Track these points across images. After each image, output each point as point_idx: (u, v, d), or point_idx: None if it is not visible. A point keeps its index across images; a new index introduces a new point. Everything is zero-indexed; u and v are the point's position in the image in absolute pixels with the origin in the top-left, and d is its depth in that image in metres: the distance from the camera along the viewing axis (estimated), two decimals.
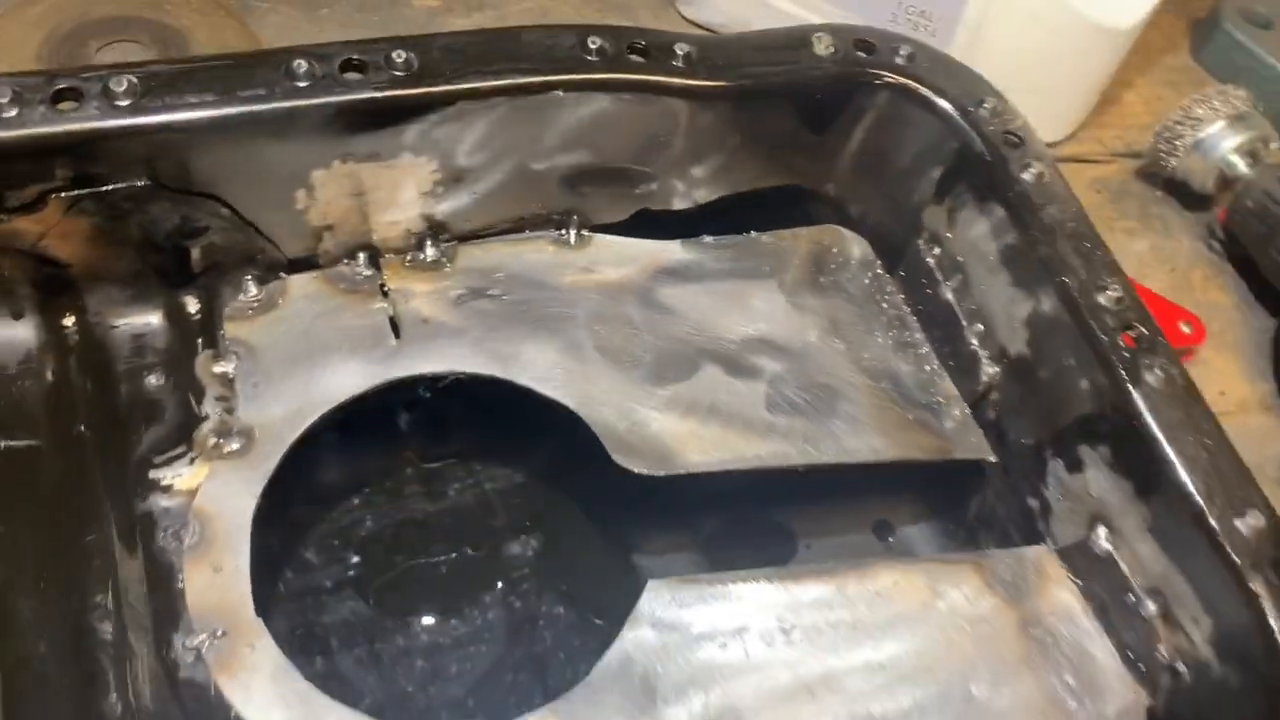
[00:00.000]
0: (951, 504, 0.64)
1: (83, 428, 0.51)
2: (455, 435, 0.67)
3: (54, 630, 0.45)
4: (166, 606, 0.47)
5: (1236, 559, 0.47)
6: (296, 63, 0.50)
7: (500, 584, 0.62)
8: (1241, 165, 0.87)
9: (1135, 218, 0.91)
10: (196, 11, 0.80)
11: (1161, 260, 0.89)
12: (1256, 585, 0.47)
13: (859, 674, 0.50)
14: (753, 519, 0.66)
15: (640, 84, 0.55)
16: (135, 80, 0.48)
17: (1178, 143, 0.89)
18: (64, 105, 0.47)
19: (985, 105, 0.59)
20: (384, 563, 0.62)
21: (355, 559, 0.62)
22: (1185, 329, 0.79)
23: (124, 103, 0.47)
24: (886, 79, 0.58)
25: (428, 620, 0.60)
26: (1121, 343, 0.52)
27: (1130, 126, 0.99)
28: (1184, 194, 0.92)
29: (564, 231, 0.63)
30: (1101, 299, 0.53)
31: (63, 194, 0.48)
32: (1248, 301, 0.88)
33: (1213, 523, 0.48)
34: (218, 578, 0.48)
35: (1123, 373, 0.52)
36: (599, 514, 0.65)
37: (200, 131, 0.49)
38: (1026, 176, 0.57)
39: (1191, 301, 0.86)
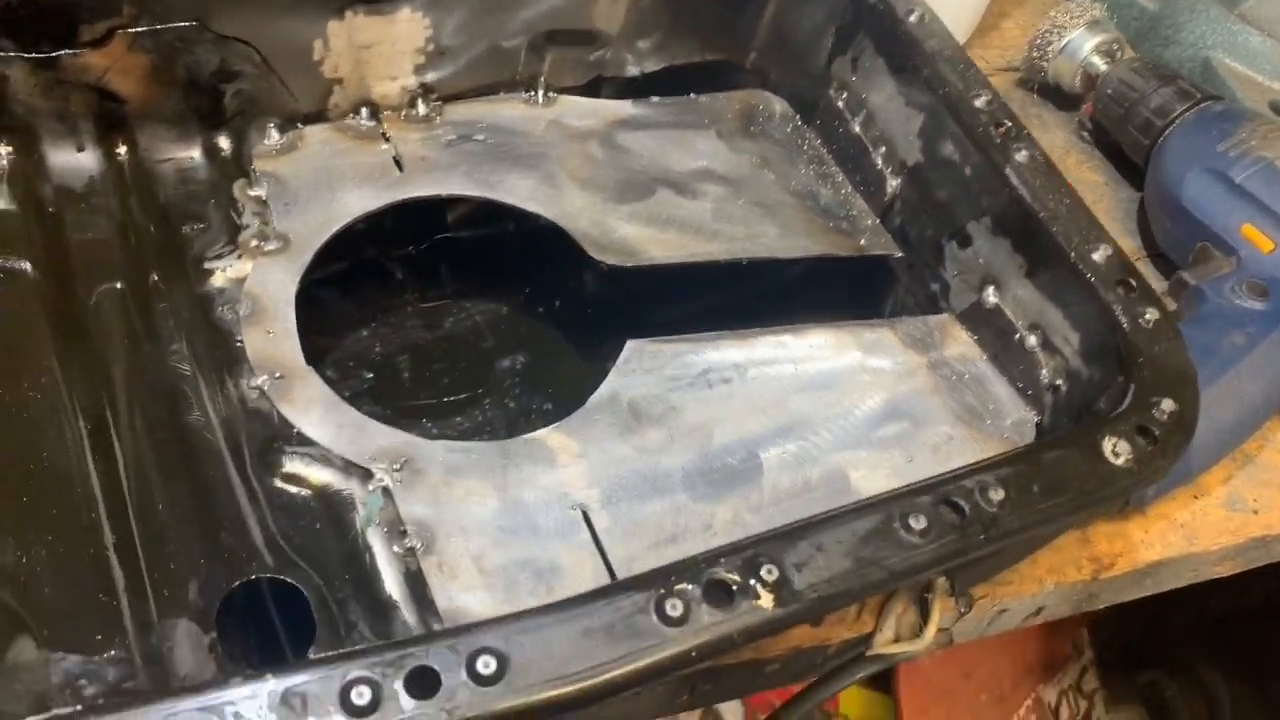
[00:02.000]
0: (868, 314, 0.76)
1: (145, 241, 0.60)
2: (447, 281, 0.77)
3: (146, 370, 0.54)
4: (230, 357, 0.56)
5: (1093, 279, 0.60)
6: None
7: (495, 391, 0.72)
8: (1101, 63, 1.02)
9: None
10: None
11: None
12: (1109, 295, 0.59)
13: (803, 400, 0.61)
14: None
15: None
16: None
17: (1048, 49, 1.04)
18: None
19: None
20: (394, 377, 0.72)
21: (370, 375, 0.71)
22: None
23: None
24: None
25: (437, 419, 0.70)
26: (994, 133, 0.65)
27: (1009, 48, 1.14)
28: (1056, 95, 1.07)
29: (532, 93, 0.74)
30: (976, 103, 0.66)
31: (128, 30, 0.58)
32: (1115, 179, 1.03)
33: (1073, 256, 0.61)
34: (270, 338, 0.58)
35: (997, 155, 0.64)
36: (574, 336, 0.75)
37: None
38: (911, 19, 0.70)
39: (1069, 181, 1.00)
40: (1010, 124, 0.66)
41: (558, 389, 0.73)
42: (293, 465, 0.53)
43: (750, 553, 0.45)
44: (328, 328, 0.74)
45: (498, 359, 0.74)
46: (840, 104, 0.75)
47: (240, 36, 0.62)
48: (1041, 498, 0.50)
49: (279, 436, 0.54)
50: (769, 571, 0.44)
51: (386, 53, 0.67)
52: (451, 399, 0.71)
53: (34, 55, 0.57)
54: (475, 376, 0.73)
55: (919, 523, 0.48)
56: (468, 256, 0.77)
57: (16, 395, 0.50)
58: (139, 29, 0.59)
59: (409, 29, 0.67)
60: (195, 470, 0.51)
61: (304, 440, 0.54)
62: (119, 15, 0.58)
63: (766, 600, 0.44)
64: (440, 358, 0.74)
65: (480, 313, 0.76)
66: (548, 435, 0.57)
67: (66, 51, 0.58)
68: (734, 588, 0.44)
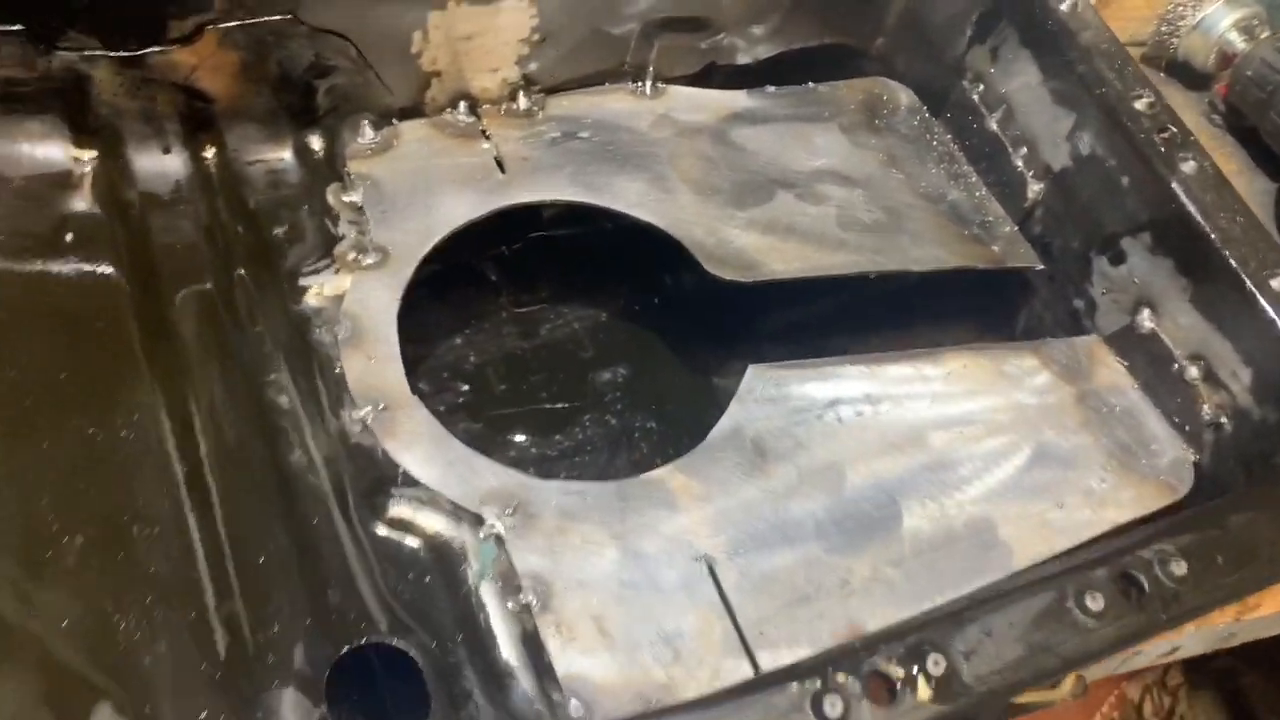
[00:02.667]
0: (999, 324, 0.70)
1: (234, 247, 0.56)
2: (541, 285, 0.72)
3: (240, 404, 0.50)
4: (330, 387, 0.53)
5: (1272, 311, 0.54)
6: None
7: (596, 405, 0.68)
8: (1239, 41, 0.94)
9: None
10: None
11: None
12: None
13: (940, 432, 0.56)
14: (815, 350, 0.72)
15: None
16: None
17: (1180, 24, 0.96)
18: None
19: None
20: (490, 390, 0.68)
21: (465, 387, 0.67)
22: None
23: None
24: None
25: (535, 436, 0.66)
26: (1157, 140, 0.59)
27: (1131, 19, 1.05)
28: (1186, 74, 0.98)
29: (640, 84, 0.68)
30: (1137, 105, 0.60)
31: (218, 25, 0.54)
32: (1250, 167, 0.95)
33: (1249, 283, 0.55)
34: (371, 364, 0.54)
35: (1161, 166, 0.58)
36: (678, 345, 0.71)
37: None
38: (1063, 8, 0.63)
39: None
40: (1175, 130, 0.59)
41: (662, 405, 0.68)
42: (400, 509, 0.49)
43: (914, 639, 0.40)
44: (420, 334, 0.70)
45: (597, 370, 0.70)
46: (975, 97, 0.69)
47: (336, 29, 0.57)
48: (1229, 569, 0.45)
49: (385, 477, 0.50)
50: (935, 663, 0.40)
51: (489, 44, 0.62)
52: (550, 413, 0.67)
53: (119, 54, 0.53)
54: (574, 389, 0.69)
55: (1096, 602, 0.43)
56: (564, 257, 0.72)
57: (109, 434, 0.47)
58: (230, 24, 0.54)
59: (513, 19, 0.61)
60: (297, 516, 0.48)
61: (410, 481, 0.50)
62: (209, 10, 0.53)
63: (926, 694, 0.40)
64: (537, 368, 0.69)
65: (578, 319, 0.72)
66: (668, 475, 0.53)
67: (154, 49, 0.54)
68: (897, 682, 0.39)
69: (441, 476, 0.51)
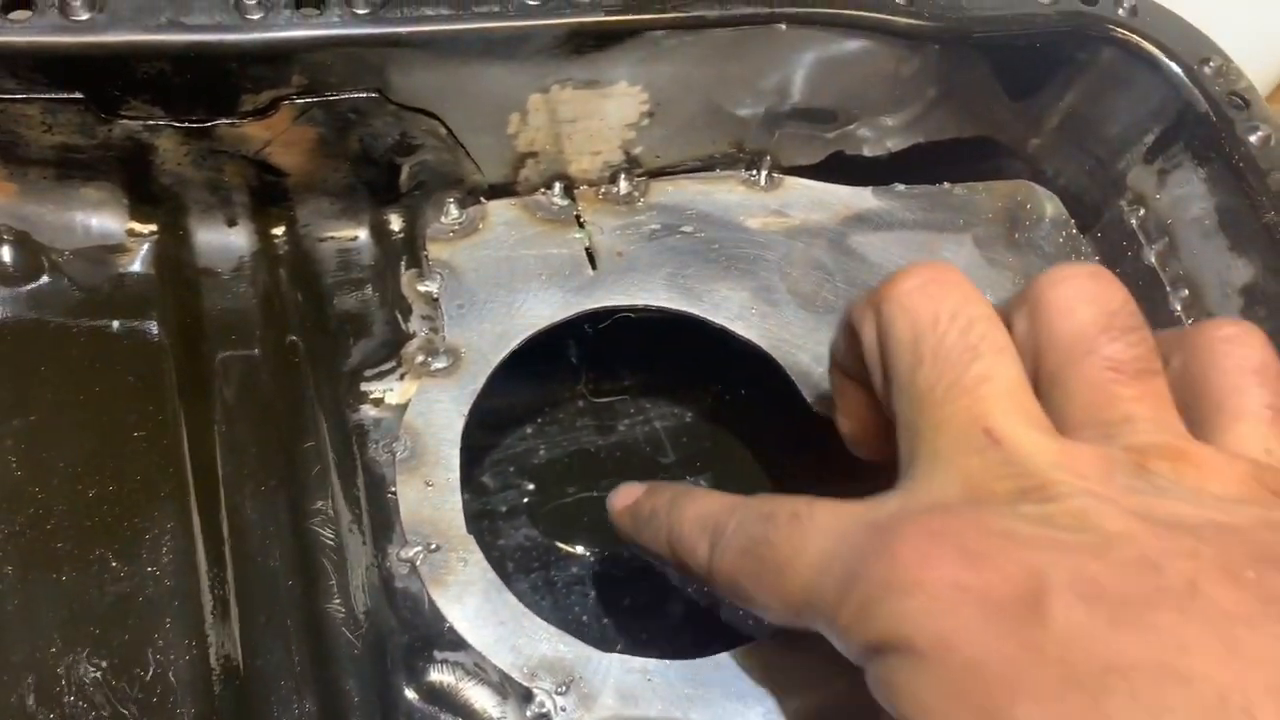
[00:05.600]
0: None
1: (294, 338, 0.51)
2: (624, 371, 0.67)
3: (280, 532, 0.45)
4: (380, 517, 0.47)
5: None
6: None
7: None
8: None
9: None
10: None
11: None
12: None
13: None
14: None
15: (867, 21, 0.53)
16: None
17: None
18: (308, 11, 0.47)
19: (1210, 64, 0.57)
20: (557, 492, 0.62)
21: (530, 486, 0.62)
22: None
23: (363, 11, 0.47)
24: (1114, 33, 0.56)
25: (600, 551, 0.60)
26: None
27: None
28: None
29: (754, 172, 0.62)
30: None
31: (295, 100, 0.48)
32: None
33: None
34: (430, 492, 0.48)
35: None
36: (772, 464, 0.64)
37: (433, 45, 0.49)
38: (1253, 140, 0.55)
39: None
40: None
41: None
42: (439, 675, 0.44)
43: None
44: (490, 419, 0.65)
45: (676, 479, 0.64)
46: (1134, 222, 0.60)
47: (426, 108, 0.51)
48: None
49: (429, 635, 0.45)
50: None
51: (593, 128, 0.56)
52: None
53: (185, 124, 0.48)
54: None
55: None
56: (652, 340, 0.65)
57: (135, 570, 0.42)
58: (309, 99, 0.48)
59: (622, 104, 0.55)
60: (328, 679, 0.43)
61: (456, 642, 0.45)
62: (286, 84, 0.48)
63: None
64: (611, 470, 0.63)
65: (659, 417, 0.66)
66: (743, 659, 0.47)
67: (224, 121, 0.48)
68: None
69: (492, 639, 0.45)
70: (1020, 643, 0.29)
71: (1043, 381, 0.37)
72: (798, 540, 0.35)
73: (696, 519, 0.41)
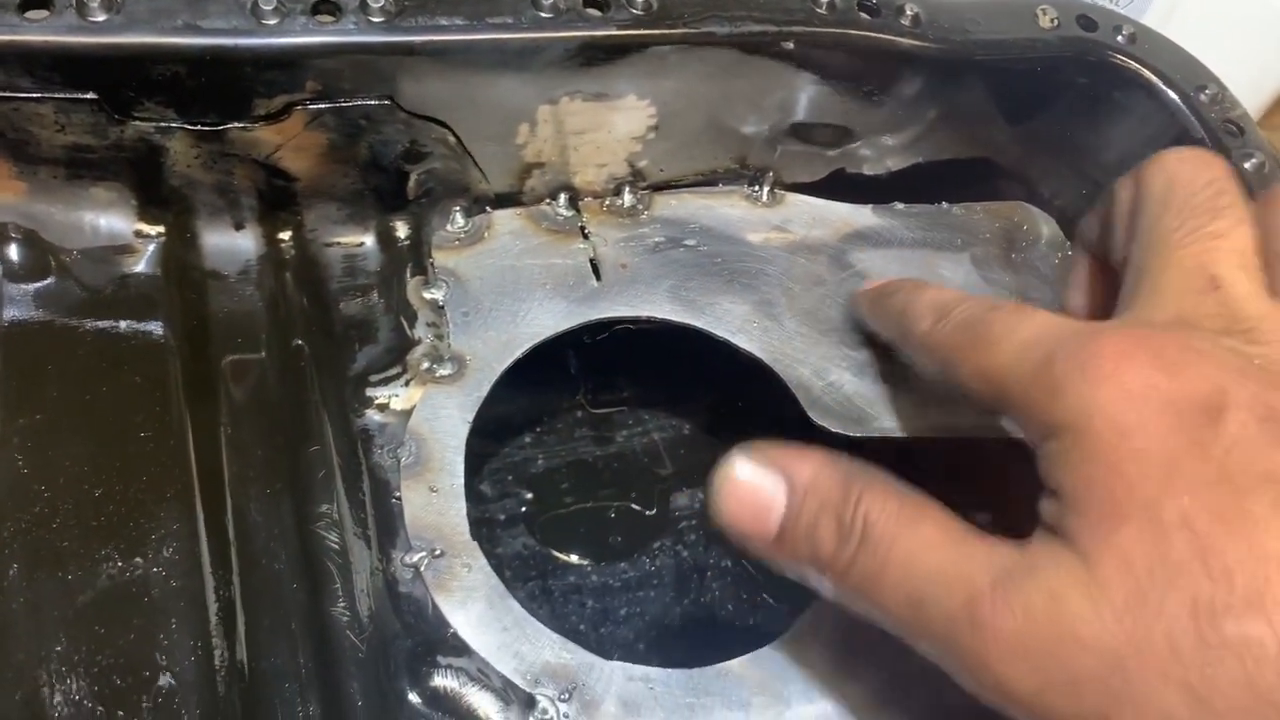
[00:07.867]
0: None
1: (300, 342, 0.51)
2: (624, 382, 0.67)
3: (285, 535, 0.45)
4: (384, 522, 0.48)
5: None
6: None
7: (668, 532, 0.62)
8: None
9: None
10: None
11: None
12: None
13: None
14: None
15: (872, 42, 0.54)
16: None
17: None
18: (323, 18, 0.47)
19: (1206, 92, 0.58)
20: (555, 501, 0.62)
21: (528, 495, 0.62)
22: None
23: (378, 19, 0.48)
24: (1112, 59, 0.57)
25: (597, 560, 0.61)
26: None
27: None
28: None
29: (756, 188, 0.62)
30: None
31: (308, 106, 0.49)
32: None
33: None
34: (434, 498, 0.49)
35: None
36: None
37: (446, 55, 0.49)
38: (1248, 167, 0.56)
39: None
40: None
41: None
42: (443, 680, 0.44)
43: None
44: (490, 427, 0.65)
45: (674, 491, 0.64)
46: None
47: (436, 117, 0.52)
48: None
49: (432, 639, 0.45)
50: None
51: (600, 140, 0.56)
52: (616, 539, 0.62)
53: (198, 127, 0.48)
54: (646, 513, 0.63)
55: None
56: (651, 351, 0.66)
57: (140, 570, 0.42)
58: (321, 105, 0.49)
59: (630, 117, 0.56)
60: (332, 683, 0.43)
61: (459, 647, 0.45)
62: (299, 90, 0.48)
63: None
64: (609, 480, 0.64)
65: (658, 429, 0.66)
66: (744, 668, 0.47)
67: (236, 124, 0.49)
68: None
69: (495, 645, 0.45)
70: (1190, 440, 0.32)
71: (1269, 257, 0.40)
72: (1014, 323, 0.39)
73: (931, 300, 0.45)
